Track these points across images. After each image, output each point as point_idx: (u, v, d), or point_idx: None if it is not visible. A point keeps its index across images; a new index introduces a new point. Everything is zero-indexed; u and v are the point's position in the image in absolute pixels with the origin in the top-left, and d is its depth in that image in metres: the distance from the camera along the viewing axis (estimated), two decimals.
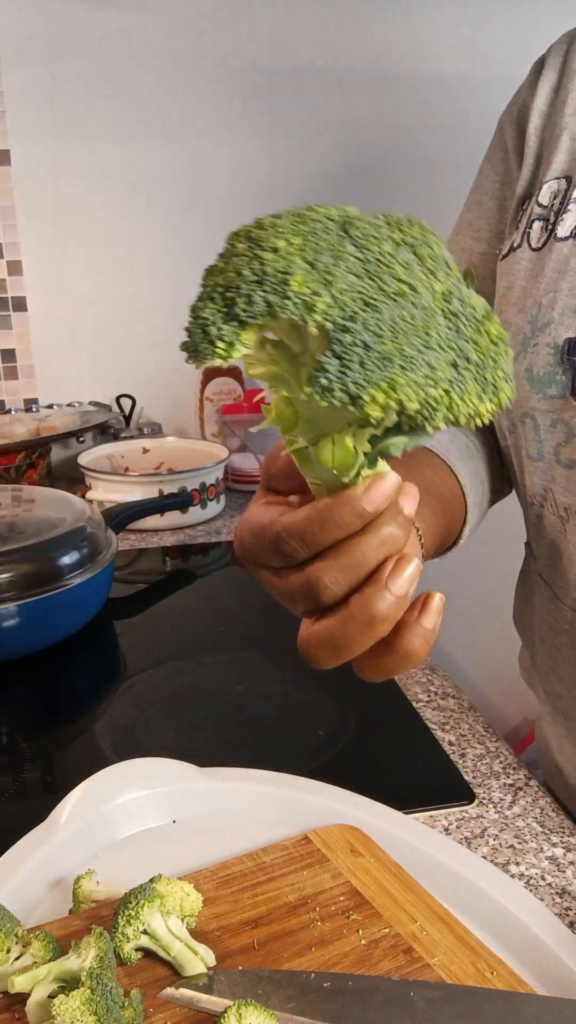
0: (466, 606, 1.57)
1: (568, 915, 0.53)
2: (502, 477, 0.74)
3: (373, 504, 0.34)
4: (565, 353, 0.58)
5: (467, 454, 0.70)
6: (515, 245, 0.64)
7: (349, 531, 0.34)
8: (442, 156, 1.57)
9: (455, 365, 0.34)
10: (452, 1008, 0.41)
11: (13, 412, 1.52)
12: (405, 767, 0.68)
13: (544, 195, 0.63)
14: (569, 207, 0.60)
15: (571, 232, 0.59)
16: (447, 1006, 0.41)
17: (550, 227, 0.61)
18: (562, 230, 0.60)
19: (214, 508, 1.31)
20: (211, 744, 0.72)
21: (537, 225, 0.62)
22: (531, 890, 0.55)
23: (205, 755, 0.62)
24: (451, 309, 0.35)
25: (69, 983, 0.41)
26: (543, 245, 0.61)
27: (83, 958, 0.41)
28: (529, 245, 0.62)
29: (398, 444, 0.35)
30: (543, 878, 0.56)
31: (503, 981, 0.44)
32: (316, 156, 1.54)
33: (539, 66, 0.68)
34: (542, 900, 0.53)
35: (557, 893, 0.54)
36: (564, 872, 0.56)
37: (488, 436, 0.75)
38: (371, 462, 0.35)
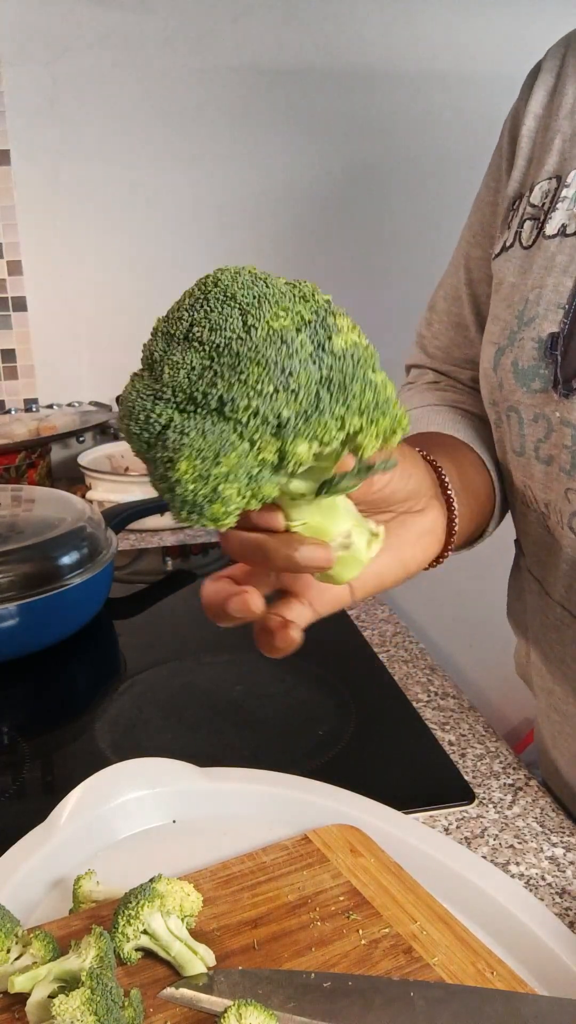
0: (466, 606, 1.57)
1: (568, 915, 0.53)
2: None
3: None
4: (548, 347, 0.58)
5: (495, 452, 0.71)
6: (507, 244, 0.66)
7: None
8: (442, 155, 1.57)
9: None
10: (452, 1008, 0.41)
11: (13, 412, 1.52)
12: (405, 767, 0.68)
13: (536, 195, 0.64)
14: (557, 206, 0.61)
15: (558, 230, 0.60)
16: (447, 1006, 0.41)
17: (539, 225, 0.62)
18: (550, 228, 0.61)
19: None
20: (211, 744, 0.72)
21: (528, 224, 0.64)
22: (531, 890, 0.55)
23: (205, 755, 0.62)
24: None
25: (69, 983, 0.41)
26: (533, 243, 0.63)
27: (83, 958, 0.41)
28: (520, 244, 0.64)
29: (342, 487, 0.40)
30: (543, 878, 0.56)
31: (503, 981, 0.44)
32: (316, 155, 1.54)
33: (535, 71, 0.69)
34: (542, 900, 0.53)
35: (557, 893, 0.54)
36: (564, 872, 0.56)
37: None
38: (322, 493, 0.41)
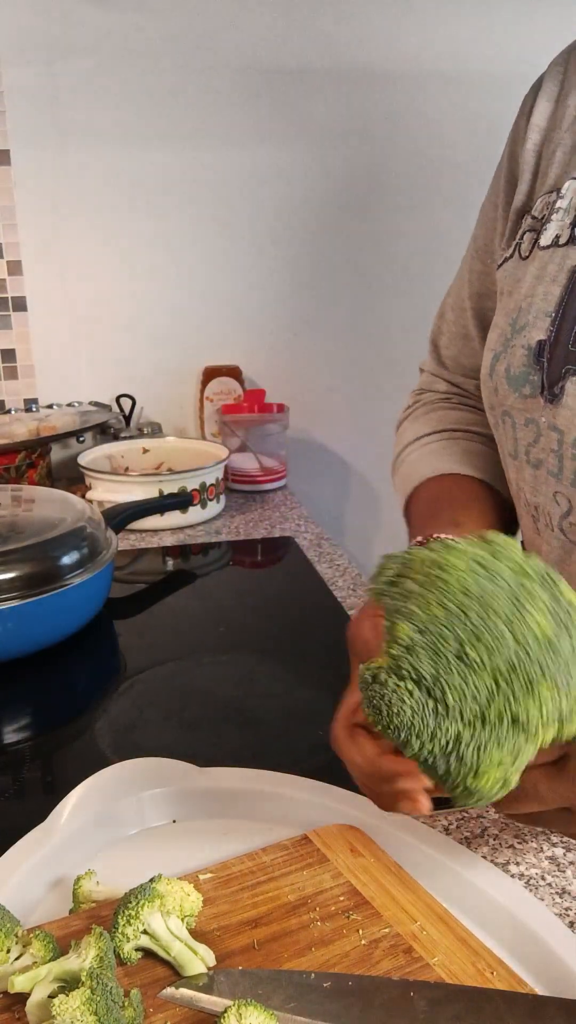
0: None
1: (568, 915, 0.53)
2: None
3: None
4: (536, 354, 0.60)
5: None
6: (508, 256, 0.67)
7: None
8: (444, 154, 1.57)
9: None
10: (452, 1008, 0.41)
11: (13, 412, 1.52)
12: None
13: (537, 208, 0.65)
14: (552, 217, 0.62)
15: (552, 241, 0.62)
16: (447, 1006, 0.42)
17: (536, 237, 0.63)
18: (544, 239, 0.62)
19: (214, 508, 1.31)
20: (211, 744, 0.72)
21: (528, 236, 0.65)
22: (531, 890, 0.54)
23: (205, 755, 0.62)
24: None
25: (69, 983, 0.41)
26: (530, 254, 0.64)
27: (83, 958, 0.41)
28: (519, 255, 0.65)
29: None
30: (543, 878, 0.56)
31: (503, 981, 0.44)
32: (316, 154, 1.54)
33: (536, 86, 0.69)
34: (542, 900, 0.53)
35: (557, 893, 0.54)
36: (564, 872, 0.56)
37: None
38: None
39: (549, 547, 0.63)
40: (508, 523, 0.70)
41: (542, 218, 0.63)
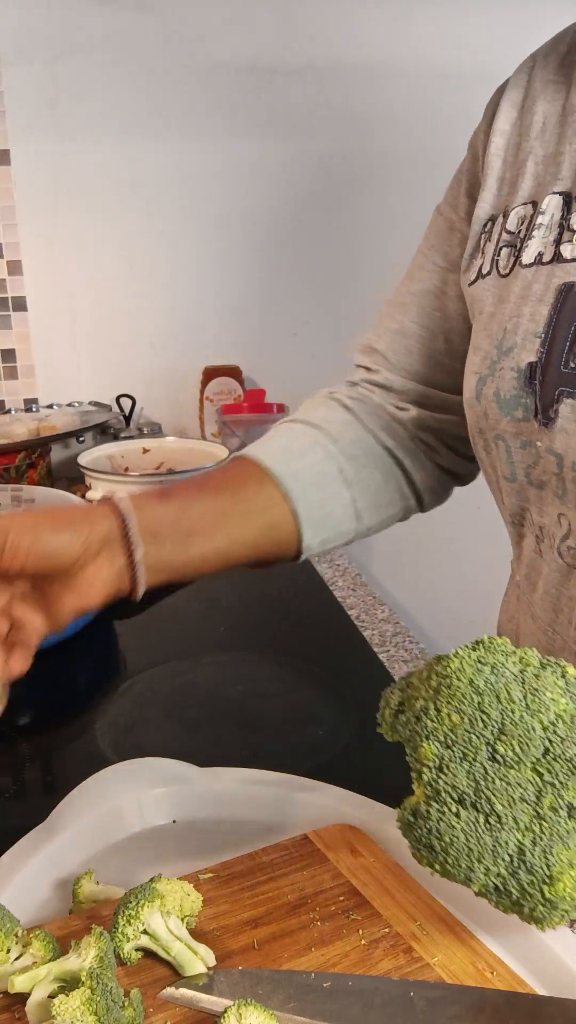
0: (466, 611, 1.57)
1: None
2: (405, 493, 0.73)
3: None
4: (527, 377, 0.58)
5: (325, 480, 0.69)
6: (484, 272, 0.65)
7: None
8: (442, 152, 1.57)
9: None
10: (452, 1008, 0.41)
11: (13, 412, 1.52)
12: (405, 767, 0.67)
13: (512, 221, 0.63)
14: (533, 233, 0.60)
15: (535, 259, 0.60)
16: (447, 1006, 0.42)
17: (516, 253, 0.62)
18: (527, 257, 0.60)
19: None
20: (211, 744, 0.72)
21: (505, 252, 0.63)
22: None
23: (205, 755, 0.62)
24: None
25: (69, 983, 0.41)
26: (510, 272, 0.62)
27: (83, 958, 0.41)
28: (498, 271, 0.63)
29: None
30: None
31: (503, 981, 0.44)
32: (315, 153, 1.54)
33: (501, 90, 0.68)
34: None
35: None
36: None
37: (411, 450, 0.74)
38: None
39: (549, 569, 0.62)
40: (272, 514, 0.65)
41: (519, 233, 0.62)
